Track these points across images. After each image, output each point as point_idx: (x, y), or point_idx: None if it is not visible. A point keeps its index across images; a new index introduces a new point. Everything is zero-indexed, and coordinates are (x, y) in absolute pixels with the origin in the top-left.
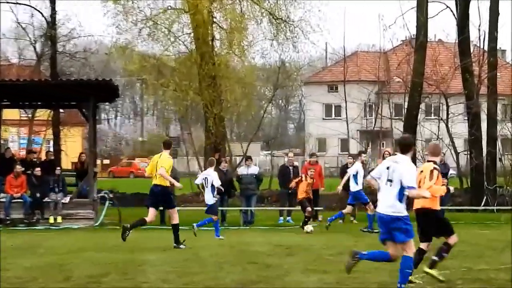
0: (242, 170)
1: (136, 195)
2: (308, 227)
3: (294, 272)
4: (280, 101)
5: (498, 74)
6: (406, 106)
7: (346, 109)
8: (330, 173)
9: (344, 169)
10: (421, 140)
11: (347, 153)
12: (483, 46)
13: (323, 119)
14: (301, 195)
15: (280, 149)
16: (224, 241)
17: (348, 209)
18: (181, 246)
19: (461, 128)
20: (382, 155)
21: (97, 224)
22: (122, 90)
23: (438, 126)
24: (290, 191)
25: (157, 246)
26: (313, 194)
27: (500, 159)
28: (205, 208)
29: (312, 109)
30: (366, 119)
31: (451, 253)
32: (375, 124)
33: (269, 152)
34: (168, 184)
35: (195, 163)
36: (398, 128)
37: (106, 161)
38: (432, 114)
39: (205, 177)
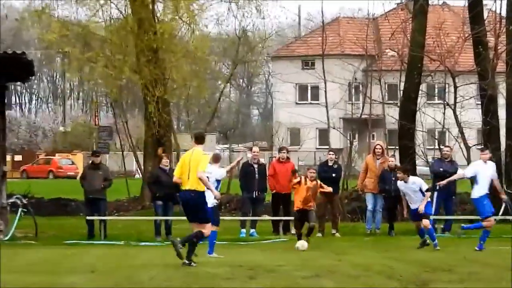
0: None
1: (56, 201)
2: (302, 244)
3: None
4: (241, 81)
5: None
6: (402, 88)
7: (325, 91)
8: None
9: (323, 168)
10: (422, 131)
11: (327, 147)
12: (500, 10)
13: (296, 103)
14: (297, 204)
15: (241, 142)
16: (169, 260)
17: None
18: (193, 263)
19: (473, 116)
20: (373, 150)
21: (6, 238)
22: (38, 66)
23: (444, 113)
24: (255, 197)
25: (88, 264)
26: (284, 200)
27: None
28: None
29: (282, 91)
30: (352, 104)
31: (459, 276)
32: (362, 111)
33: (228, 146)
34: (204, 189)
35: (132, 160)
36: (392, 115)
37: (18, 158)
38: (436, 97)
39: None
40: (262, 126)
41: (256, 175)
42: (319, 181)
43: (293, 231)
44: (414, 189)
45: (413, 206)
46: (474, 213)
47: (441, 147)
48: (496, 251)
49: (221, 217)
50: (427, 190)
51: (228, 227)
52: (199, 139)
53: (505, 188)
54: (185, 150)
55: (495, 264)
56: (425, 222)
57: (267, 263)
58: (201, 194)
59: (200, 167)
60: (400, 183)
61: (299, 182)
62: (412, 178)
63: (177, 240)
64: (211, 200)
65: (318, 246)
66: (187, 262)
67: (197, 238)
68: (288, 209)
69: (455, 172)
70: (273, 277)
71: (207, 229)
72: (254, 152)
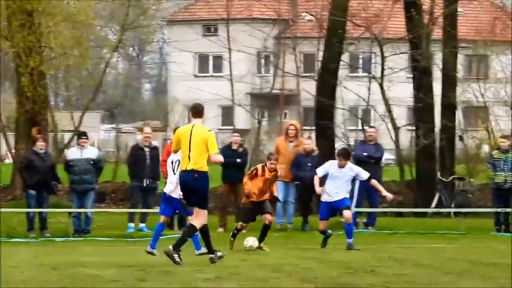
0: (72, 153)
1: None
2: (250, 242)
3: None
4: (131, 49)
5: (459, 9)
6: (320, 58)
7: (230, 62)
8: None
9: (226, 153)
10: (343, 109)
11: (231, 128)
12: None
13: (196, 76)
14: (251, 195)
15: (130, 121)
16: (43, 260)
17: None
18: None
19: (402, 92)
20: (285, 131)
21: None
22: None
23: (369, 88)
24: (146, 185)
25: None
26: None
27: (461, 138)
28: None
29: (179, 61)
30: (261, 77)
31: (383, 279)
32: (273, 85)
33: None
34: (207, 170)
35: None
36: (308, 90)
37: None
38: (360, 70)
39: (177, 160)
40: (155, 102)
41: (148, 160)
42: (279, 171)
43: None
44: (347, 177)
45: (331, 198)
46: (402, 205)
47: (365, 127)
48: (427, 249)
49: (105, 210)
50: (369, 179)
51: (114, 220)
52: (198, 112)
53: (439, 175)
54: (64, 131)
55: (426, 265)
56: (347, 214)
57: (160, 263)
58: (205, 175)
59: (212, 149)
60: (331, 167)
61: (255, 174)
62: (349, 164)
63: (171, 250)
64: (178, 191)
65: (219, 244)
66: (175, 257)
67: (189, 235)
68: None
69: (381, 157)
70: (168, 279)
71: (200, 217)
72: (145, 133)
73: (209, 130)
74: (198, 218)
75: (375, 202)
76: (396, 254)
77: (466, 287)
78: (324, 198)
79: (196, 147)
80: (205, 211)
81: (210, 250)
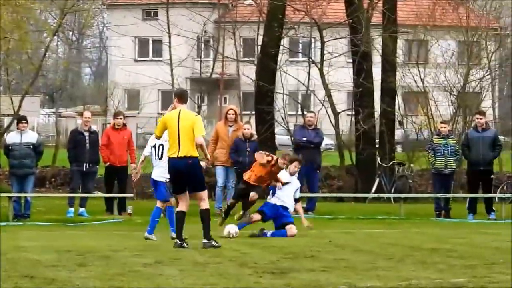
0: (12, 138)
1: None
2: (232, 229)
3: None
4: (71, 33)
5: None
6: (260, 43)
7: (170, 47)
8: (146, 142)
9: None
10: (283, 94)
11: None
12: None
13: (136, 60)
14: (251, 177)
15: (70, 106)
16: None
17: None
18: (213, 243)
19: (342, 76)
20: (225, 116)
21: None
22: None
23: (308, 73)
24: (85, 170)
25: None
26: (120, 174)
27: (401, 123)
28: None
29: (119, 46)
30: (200, 62)
31: (323, 264)
32: (213, 70)
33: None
34: (198, 155)
35: None
36: (248, 75)
37: None
38: (300, 54)
39: (160, 145)
40: (95, 87)
41: (87, 145)
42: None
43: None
44: (296, 186)
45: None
46: (342, 190)
47: (305, 112)
48: (368, 234)
49: (45, 194)
50: (297, 200)
51: (54, 205)
52: (183, 98)
53: (379, 161)
54: (3, 115)
55: (367, 250)
56: (298, 207)
57: (99, 248)
58: (197, 160)
59: (198, 131)
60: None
61: (270, 163)
62: (286, 174)
63: (206, 242)
64: (165, 175)
65: (160, 229)
66: (179, 242)
67: (209, 219)
68: (124, 184)
69: (320, 142)
70: (107, 264)
71: (205, 197)
72: (85, 117)
73: (196, 115)
74: (205, 200)
75: (315, 187)
76: (337, 239)
77: (406, 272)
78: (273, 200)
79: (185, 133)
80: (205, 192)
81: (179, 237)
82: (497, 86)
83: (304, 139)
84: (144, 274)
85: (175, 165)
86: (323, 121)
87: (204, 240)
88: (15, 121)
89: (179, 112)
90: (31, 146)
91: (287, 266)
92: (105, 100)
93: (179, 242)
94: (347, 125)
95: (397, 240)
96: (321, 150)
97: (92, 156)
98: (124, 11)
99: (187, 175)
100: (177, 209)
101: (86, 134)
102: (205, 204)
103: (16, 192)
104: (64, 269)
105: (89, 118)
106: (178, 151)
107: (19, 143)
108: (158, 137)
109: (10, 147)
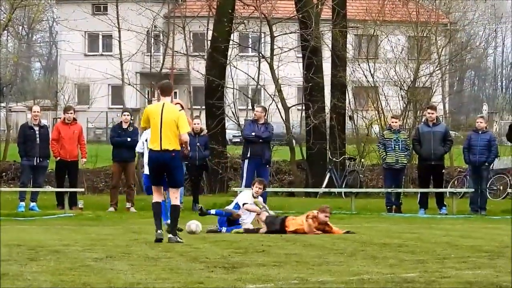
0: None
1: None
2: (194, 225)
3: (39, 285)
4: (21, 28)
5: None
6: (210, 38)
7: (119, 41)
8: (96, 137)
9: (116, 132)
10: (233, 88)
11: (121, 107)
12: None
13: (86, 55)
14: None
15: (20, 100)
16: None
17: None
18: (179, 239)
19: (292, 71)
20: None
21: None
22: None
23: (258, 68)
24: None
25: None
26: (70, 168)
27: (351, 117)
28: None
29: (68, 40)
30: (150, 57)
31: (275, 259)
32: (163, 64)
33: (4, 105)
34: (180, 148)
35: None
36: (198, 69)
37: None
38: (250, 49)
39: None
40: (45, 81)
41: (37, 139)
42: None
43: (80, 204)
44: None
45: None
46: (293, 185)
47: (255, 107)
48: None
49: None
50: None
51: (4, 199)
52: (166, 90)
53: (329, 155)
54: None
55: (318, 245)
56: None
57: (50, 243)
58: (179, 154)
59: (184, 128)
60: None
61: (316, 217)
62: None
63: (172, 237)
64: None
65: (110, 223)
66: (173, 238)
67: (178, 215)
68: (75, 179)
69: (269, 137)
70: (58, 258)
71: (178, 194)
72: (35, 112)
73: (179, 110)
74: (178, 197)
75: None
76: (288, 235)
77: (358, 267)
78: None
79: (167, 126)
80: (181, 189)
81: (159, 227)
82: (447, 81)
83: (253, 134)
84: (95, 268)
85: (156, 157)
86: (274, 116)
87: (170, 235)
88: None
89: (163, 105)
90: None
91: (238, 261)
92: (55, 95)
93: (159, 231)
94: (297, 120)
95: (348, 235)
96: (272, 145)
97: (43, 151)
98: (73, 5)
99: (168, 168)
100: (153, 201)
101: (36, 128)
102: (176, 201)
103: None
104: (15, 264)
105: (38, 112)
106: (160, 144)
107: None
108: (145, 128)
109: None
